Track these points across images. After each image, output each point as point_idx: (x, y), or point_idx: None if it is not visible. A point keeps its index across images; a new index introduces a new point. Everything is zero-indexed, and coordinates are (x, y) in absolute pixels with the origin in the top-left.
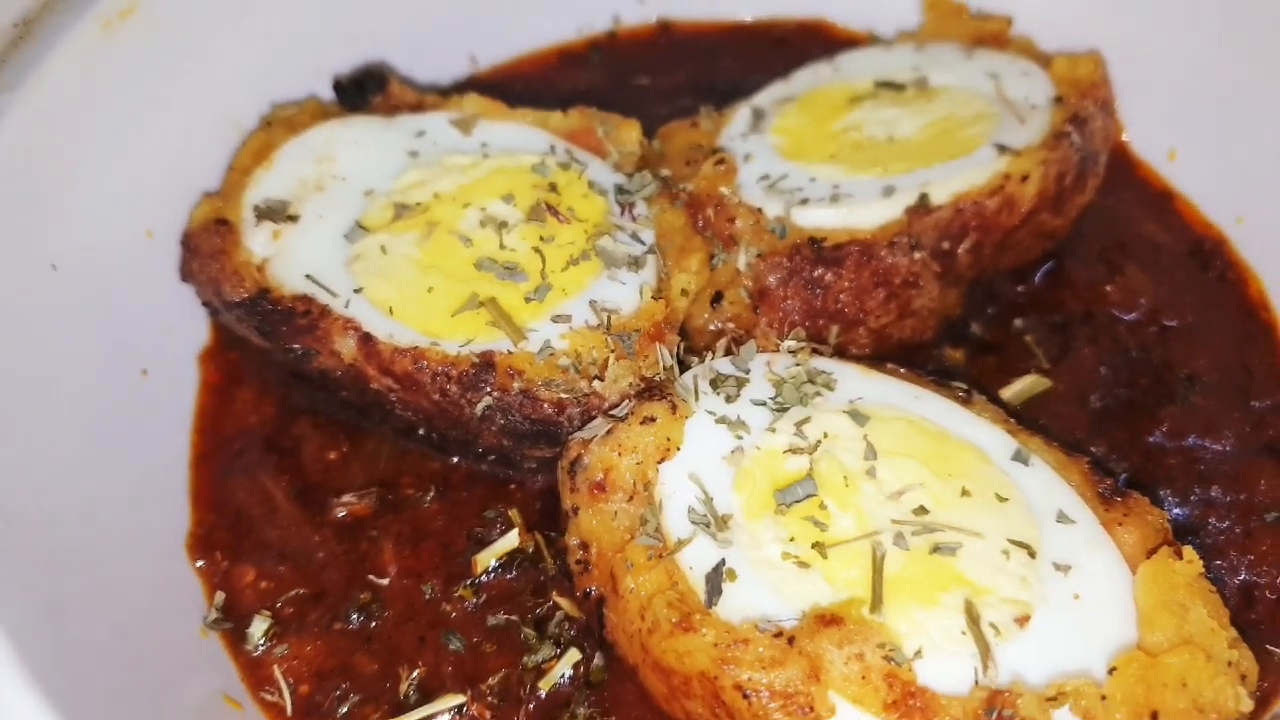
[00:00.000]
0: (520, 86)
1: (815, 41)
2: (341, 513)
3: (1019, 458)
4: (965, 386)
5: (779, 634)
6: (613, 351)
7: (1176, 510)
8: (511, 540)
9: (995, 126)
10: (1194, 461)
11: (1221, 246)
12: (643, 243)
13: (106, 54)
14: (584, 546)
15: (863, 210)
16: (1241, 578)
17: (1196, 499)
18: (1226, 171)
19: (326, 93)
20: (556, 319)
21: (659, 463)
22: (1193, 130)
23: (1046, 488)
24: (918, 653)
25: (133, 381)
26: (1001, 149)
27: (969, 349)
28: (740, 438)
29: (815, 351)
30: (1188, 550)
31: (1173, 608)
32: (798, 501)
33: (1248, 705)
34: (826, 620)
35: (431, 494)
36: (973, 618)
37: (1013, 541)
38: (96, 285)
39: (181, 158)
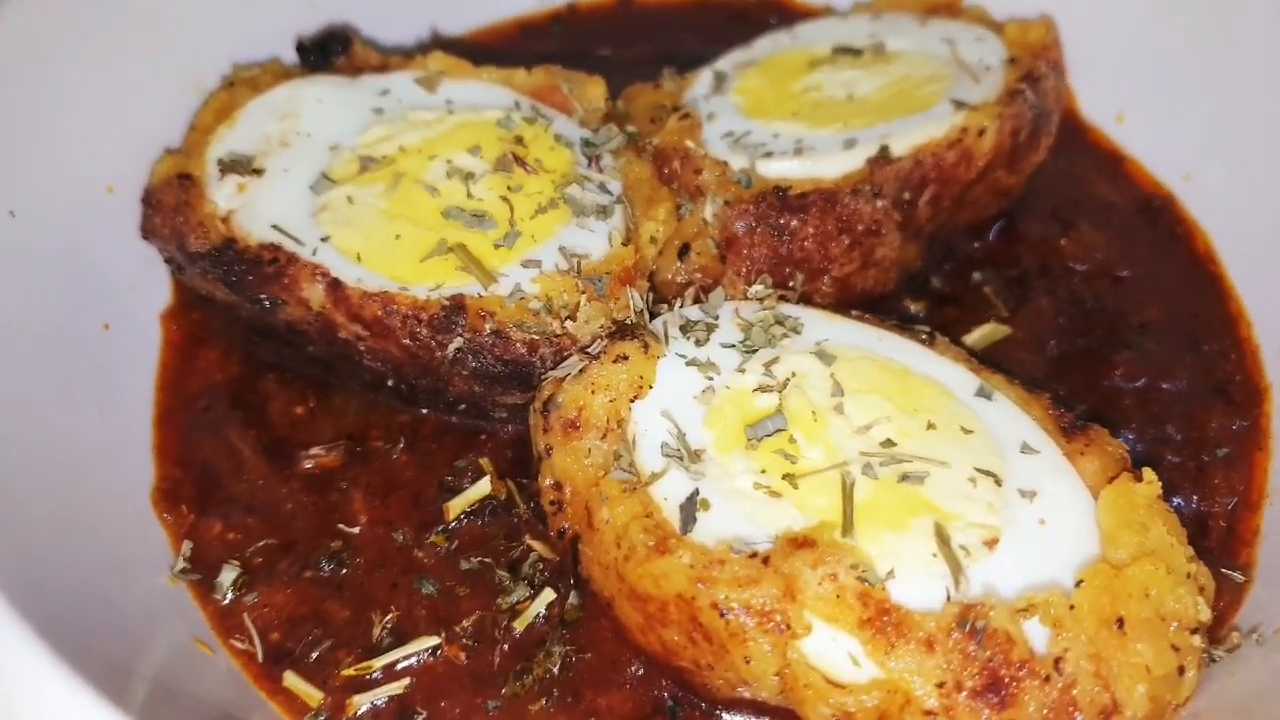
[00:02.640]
0: (481, 58)
1: (773, 14)
2: (309, 465)
3: (982, 393)
4: (928, 329)
5: (754, 555)
6: (583, 294)
7: (1134, 448)
8: (483, 487)
9: (951, 86)
10: (1149, 403)
11: (1170, 204)
12: (610, 193)
13: (64, 6)
14: (558, 486)
15: (825, 162)
16: (1195, 509)
17: (1152, 437)
18: (1174, 132)
19: (288, 55)
20: (526, 264)
21: (631, 401)
22: (1140, 94)
23: (1010, 421)
24: (890, 573)
25: (95, 334)
26: (958, 105)
27: (929, 301)
28: (710, 378)
29: (781, 298)
30: (1147, 472)
31: (1134, 526)
32: (768, 436)
33: (1207, 615)
34: (799, 543)
35: (401, 445)
36: (943, 538)
37: (979, 470)
38: (56, 236)
39: (143, 115)
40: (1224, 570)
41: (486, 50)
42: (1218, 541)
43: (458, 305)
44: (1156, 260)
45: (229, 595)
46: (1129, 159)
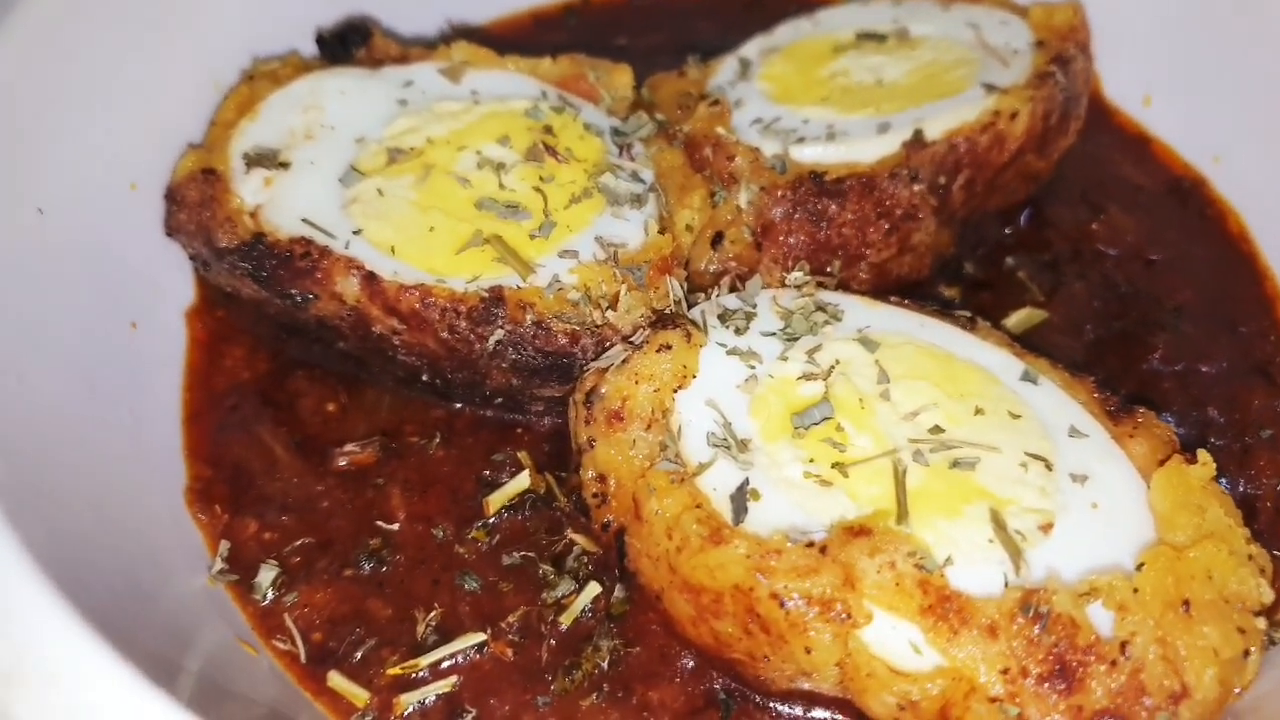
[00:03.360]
0: (495, 50)
1: (789, 3)
2: (344, 462)
3: (1027, 378)
4: (969, 314)
5: (810, 544)
6: (623, 283)
7: (1176, 432)
8: (522, 481)
9: (979, 70)
10: (1188, 385)
11: (1200, 186)
12: (643, 181)
13: (81, 3)
14: (601, 479)
15: (860, 146)
16: (1242, 491)
17: (1194, 419)
18: (1201, 114)
19: (306, 48)
20: (563, 254)
21: (675, 391)
22: (1166, 76)
23: (1056, 405)
24: (948, 560)
25: (122, 333)
26: (989, 88)
27: (963, 287)
28: (753, 367)
29: (820, 285)
30: (1201, 453)
31: (1190, 508)
32: (815, 424)
33: (1270, 596)
34: (855, 531)
35: (437, 440)
36: (999, 523)
37: (1029, 455)
38: (83, 233)
39: (162, 111)
40: (1276, 554)
41: (501, 42)
42: (1266, 524)
43: (497, 297)
44: (1188, 242)
45: (269, 595)
46: (1156, 141)
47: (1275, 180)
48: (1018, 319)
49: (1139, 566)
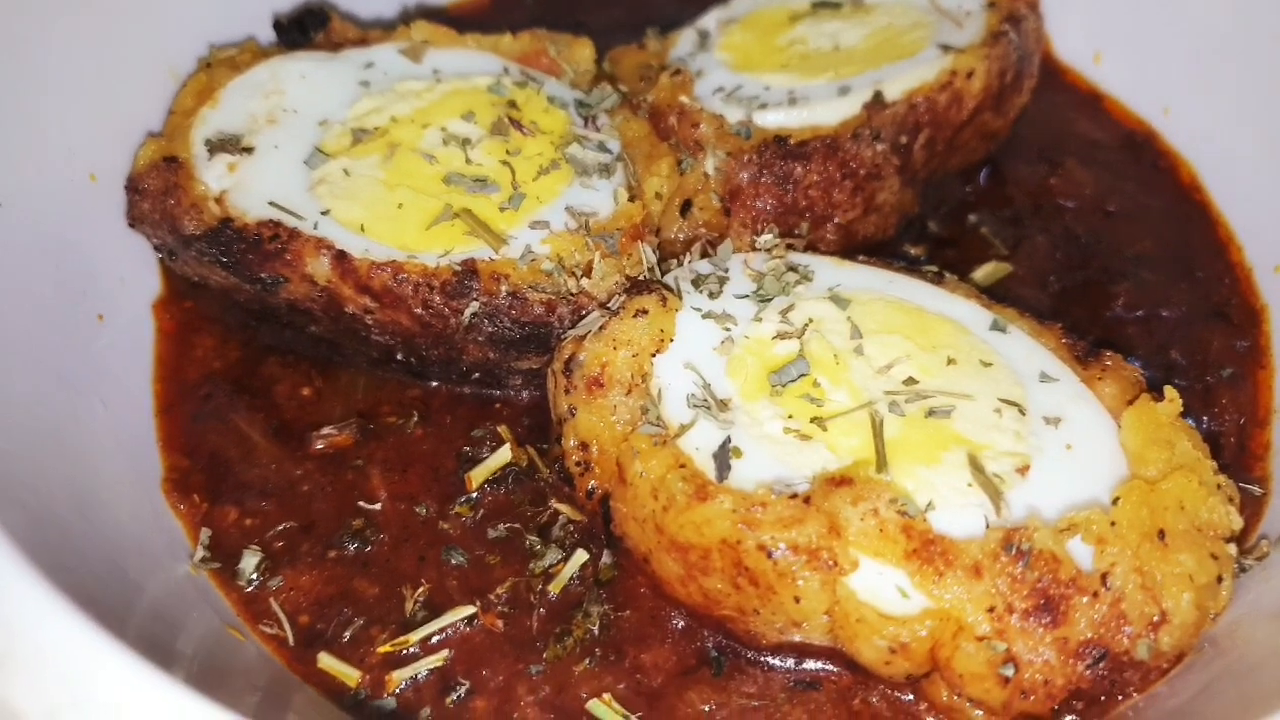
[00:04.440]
0: (458, 30)
1: None
2: (322, 445)
3: (997, 326)
4: (936, 269)
5: (794, 496)
6: (596, 251)
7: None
8: (504, 455)
9: (934, 31)
10: (1151, 330)
11: (1152, 138)
12: (610, 151)
13: None
14: (584, 446)
15: (821, 109)
16: (1207, 428)
17: (1158, 363)
18: (1150, 68)
19: (263, 34)
20: (534, 225)
21: (653, 355)
22: (1114, 34)
23: (1026, 352)
24: (929, 505)
25: (90, 326)
26: (945, 49)
27: (929, 245)
28: (728, 329)
29: (789, 247)
30: (1169, 390)
31: (1160, 443)
32: (792, 381)
33: (1239, 523)
34: (837, 481)
35: (414, 419)
36: (977, 467)
37: (1003, 400)
38: (44, 227)
39: (120, 101)
40: (1242, 485)
41: (462, 22)
42: (1231, 458)
43: (470, 270)
44: (1144, 193)
45: (253, 581)
46: (1108, 97)
47: (1223, 130)
48: (984, 273)
49: (1115, 501)
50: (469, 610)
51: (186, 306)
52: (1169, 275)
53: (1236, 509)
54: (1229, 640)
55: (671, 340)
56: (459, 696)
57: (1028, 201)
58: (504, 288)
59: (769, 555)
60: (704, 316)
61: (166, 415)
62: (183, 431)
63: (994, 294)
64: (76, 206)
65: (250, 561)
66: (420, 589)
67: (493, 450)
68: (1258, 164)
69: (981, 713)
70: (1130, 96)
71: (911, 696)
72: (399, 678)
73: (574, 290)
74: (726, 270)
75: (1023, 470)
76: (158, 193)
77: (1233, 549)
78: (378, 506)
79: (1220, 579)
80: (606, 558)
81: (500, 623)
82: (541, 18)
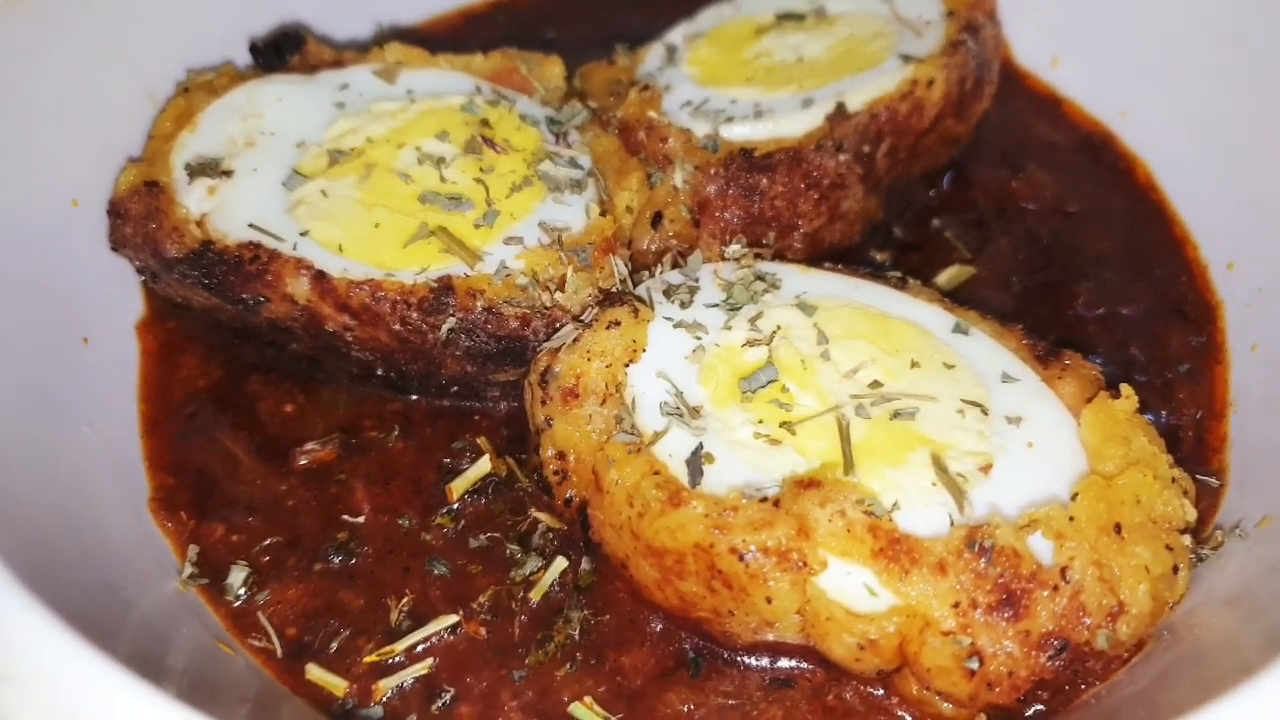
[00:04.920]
0: (428, 49)
1: None
2: (305, 460)
3: (959, 329)
4: (900, 274)
5: (764, 499)
6: (569, 265)
7: (1103, 371)
8: (483, 466)
9: (895, 42)
10: (1111, 328)
11: (1109, 140)
12: (581, 167)
13: (13, 20)
14: (561, 456)
15: (786, 122)
16: (1166, 423)
17: (1119, 360)
18: (1106, 72)
19: (239, 58)
20: (508, 241)
21: (626, 365)
22: (1071, 39)
23: (988, 354)
24: (894, 505)
25: (75, 349)
26: (906, 59)
27: (894, 250)
28: (699, 338)
29: (757, 256)
30: (1124, 388)
31: (1117, 439)
32: (761, 387)
33: (1193, 515)
34: (806, 484)
35: (395, 433)
36: (941, 467)
37: (965, 401)
38: (27, 251)
39: (99, 127)
40: (1199, 477)
41: (432, 41)
42: (1190, 451)
43: (446, 286)
44: (1102, 194)
45: (241, 596)
46: (1066, 101)
47: (1178, 132)
48: (947, 276)
49: (1073, 496)
50: (452, 619)
51: (169, 327)
52: (1128, 274)
53: (1191, 501)
54: (1185, 628)
55: (644, 350)
56: (445, 703)
57: (990, 205)
58: (480, 303)
59: (741, 558)
60: (675, 326)
61: (152, 435)
62: (168, 450)
63: (958, 296)
64: (59, 231)
65: (238, 577)
66: (404, 599)
67: (473, 461)
68: (1212, 164)
69: (950, 705)
70: (1088, 99)
71: (883, 691)
72: (385, 686)
73: (548, 304)
74: (697, 280)
75: (985, 469)
76: (140, 217)
77: (1188, 540)
78: (361, 519)
79: (1176, 569)
80: (585, 564)
81: (483, 630)
82: (512, 34)
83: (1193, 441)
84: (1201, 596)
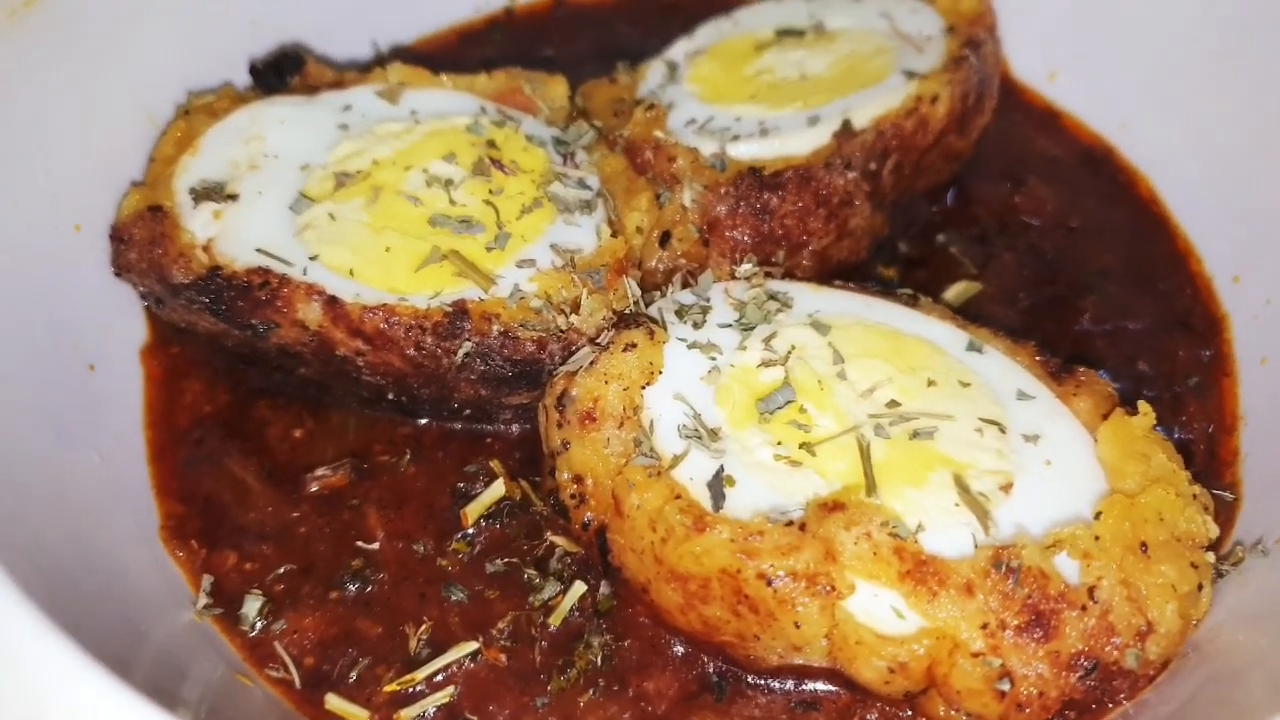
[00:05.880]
0: (427, 68)
1: (705, 4)
2: (316, 486)
3: (973, 347)
4: (910, 291)
5: (790, 523)
6: (583, 287)
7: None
8: (498, 490)
9: (897, 58)
10: (1118, 343)
11: (1110, 154)
12: (590, 187)
13: (11, 44)
14: (578, 479)
15: (792, 139)
16: (1177, 437)
17: (1127, 375)
18: (1104, 85)
19: (239, 79)
20: (521, 264)
21: (643, 388)
22: (1069, 52)
23: (1002, 371)
24: (919, 526)
25: (81, 376)
26: (910, 75)
27: (900, 266)
28: (714, 359)
29: (768, 275)
30: (1142, 404)
31: (1136, 457)
32: (779, 408)
33: (1215, 531)
34: (830, 507)
35: (407, 457)
36: (963, 487)
37: (983, 419)
38: (31, 278)
39: (100, 150)
40: (1214, 492)
41: (428, 60)
42: (1202, 466)
43: (461, 310)
44: (1105, 208)
45: (256, 625)
46: (1065, 114)
47: (1178, 143)
48: (955, 292)
49: (1097, 515)
50: (472, 646)
51: (173, 352)
52: (1133, 288)
53: (1211, 517)
54: (1211, 646)
55: (660, 372)
56: None
57: (993, 220)
58: (495, 327)
59: (769, 583)
60: (690, 347)
61: (159, 462)
62: (176, 477)
63: (965, 313)
64: (62, 257)
65: (252, 606)
66: (423, 626)
67: (486, 485)
68: (1214, 175)
69: None
70: (1087, 112)
71: (910, 713)
72: (408, 716)
73: (563, 327)
74: (709, 300)
75: (1006, 488)
76: (144, 242)
77: (1210, 556)
78: (376, 546)
79: (1200, 586)
80: (604, 588)
81: (503, 657)
82: (509, 51)
83: (1205, 456)
84: (1224, 614)
